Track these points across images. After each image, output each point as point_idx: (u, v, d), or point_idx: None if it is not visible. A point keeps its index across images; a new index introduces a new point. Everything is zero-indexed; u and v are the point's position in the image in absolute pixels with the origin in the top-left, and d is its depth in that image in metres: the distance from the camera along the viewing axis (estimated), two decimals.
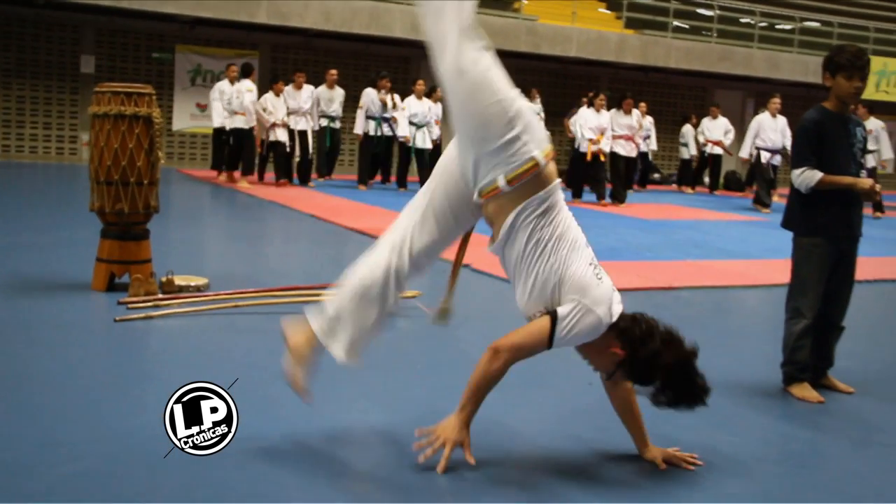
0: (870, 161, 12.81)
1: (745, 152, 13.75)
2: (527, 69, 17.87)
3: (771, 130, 13.26)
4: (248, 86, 12.58)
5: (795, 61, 19.57)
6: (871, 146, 12.87)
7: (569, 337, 2.69)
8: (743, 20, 20.33)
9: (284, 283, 5.43)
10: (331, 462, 2.83)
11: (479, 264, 6.62)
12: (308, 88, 13.13)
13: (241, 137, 12.64)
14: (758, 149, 13.39)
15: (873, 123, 13.29)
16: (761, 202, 13.46)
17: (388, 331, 4.73)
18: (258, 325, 4.62)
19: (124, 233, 5.05)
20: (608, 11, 19.50)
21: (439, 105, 13.21)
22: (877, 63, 20.16)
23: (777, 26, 20.97)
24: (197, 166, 16.10)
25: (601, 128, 12.84)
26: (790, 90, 20.15)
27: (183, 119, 16.37)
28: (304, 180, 13.17)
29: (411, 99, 13.36)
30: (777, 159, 13.38)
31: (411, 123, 13.17)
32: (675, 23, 19.10)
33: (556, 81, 18.53)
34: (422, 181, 12.78)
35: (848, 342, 4.13)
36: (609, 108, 13.17)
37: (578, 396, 3.63)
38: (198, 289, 5.19)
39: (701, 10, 20.08)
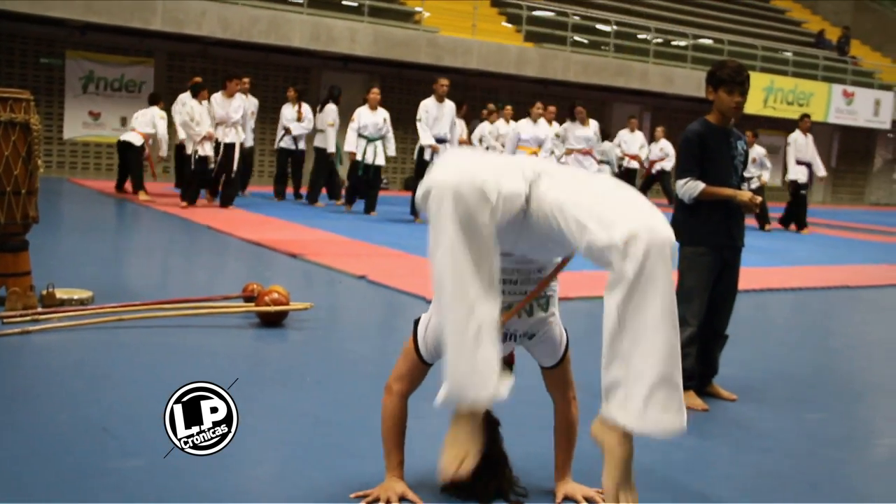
0: (753, 181, 12.93)
1: None
2: (428, 80, 17.88)
3: None
4: (160, 113, 12.19)
5: (689, 76, 20.14)
6: (755, 171, 13.04)
7: (430, 341, 2.67)
8: (640, 36, 20.83)
9: (172, 295, 5.28)
10: (215, 478, 2.74)
11: (376, 276, 6.57)
12: (240, 97, 11.52)
13: (127, 150, 12.04)
14: None
15: (756, 151, 13.09)
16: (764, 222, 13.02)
17: (279, 342, 4.67)
18: (142, 339, 4.46)
19: (0, 244, 4.82)
20: (508, 25, 19.72)
21: (385, 119, 11.86)
22: (764, 80, 20.93)
23: (672, 43, 21.57)
24: (90, 176, 15.59)
25: (539, 140, 11.90)
26: (684, 104, 20.75)
27: (75, 127, 15.81)
28: (228, 200, 11.36)
29: (363, 109, 11.79)
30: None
31: (362, 136, 11.63)
32: (574, 37, 19.44)
33: (458, 93, 18.55)
34: (351, 191, 11.98)
35: (731, 350, 4.23)
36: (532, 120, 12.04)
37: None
38: (81, 302, 5.00)
39: (599, 26, 20.50)
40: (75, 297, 5.01)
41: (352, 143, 11.76)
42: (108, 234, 9.19)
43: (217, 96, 11.37)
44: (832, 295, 7.65)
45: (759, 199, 3.94)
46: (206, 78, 15.17)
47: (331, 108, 12.98)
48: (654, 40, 20.69)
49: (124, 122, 15.95)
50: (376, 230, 9.89)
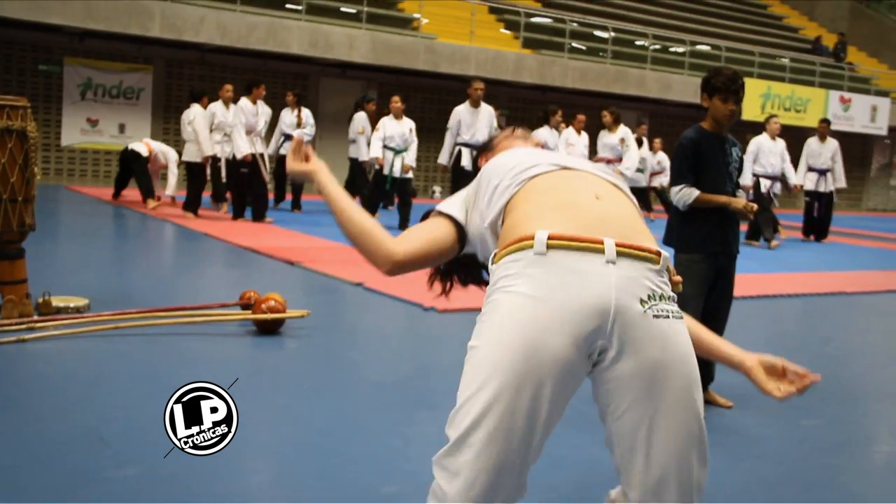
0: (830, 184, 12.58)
1: (746, 179, 11.43)
2: (426, 87, 17.96)
3: (771, 154, 11.52)
4: (175, 157, 12.01)
5: (686, 83, 20.18)
6: (823, 165, 12.64)
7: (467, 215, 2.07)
8: (637, 43, 20.88)
9: (169, 303, 5.28)
10: (210, 486, 2.74)
11: (372, 283, 6.57)
12: (262, 105, 10.95)
13: (134, 161, 11.85)
14: (756, 175, 11.56)
15: (831, 144, 12.85)
16: (756, 236, 11.76)
17: (276, 350, 4.66)
18: (139, 347, 4.46)
19: None
20: (506, 31, 19.76)
21: (410, 130, 11.13)
22: (761, 86, 20.98)
23: (669, 49, 21.62)
24: (88, 183, 15.60)
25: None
26: (681, 110, 20.80)
27: (73, 134, 15.82)
28: (261, 214, 10.81)
29: (387, 120, 11.07)
30: (778, 187, 11.86)
31: (387, 148, 10.92)
32: (572, 44, 19.48)
33: (455, 100, 18.57)
34: (374, 203, 11.06)
35: None
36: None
37: None
38: (77, 310, 4.99)
39: (597, 33, 20.54)
40: (72, 304, 5.01)
41: (377, 150, 11.00)
42: (106, 242, 9.18)
43: (246, 104, 10.72)
44: (829, 301, 7.66)
45: (754, 206, 3.95)
46: (205, 85, 15.21)
47: (359, 117, 12.71)
48: (652, 47, 20.74)
49: (122, 128, 16.02)
50: None
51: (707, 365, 4.07)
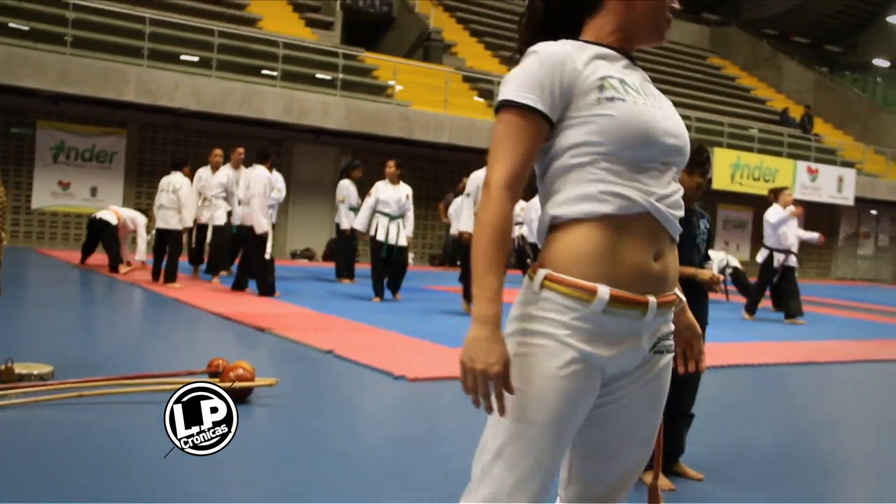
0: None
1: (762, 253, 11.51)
2: (400, 154, 18.08)
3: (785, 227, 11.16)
4: (143, 220, 12.05)
5: None
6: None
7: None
8: None
9: (136, 370, 5.20)
10: None
11: (343, 350, 6.53)
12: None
13: (104, 229, 11.73)
14: (768, 248, 11.30)
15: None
16: (796, 312, 11.23)
17: (243, 420, 4.59)
18: (103, 416, 4.38)
19: None
20: (480, 99, 20.04)
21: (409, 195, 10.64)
22: (731, 156, 21.35)
23: None
24: (58, 246, 15.48)
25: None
26: None
27: (44, 197, 15.75)
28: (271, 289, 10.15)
29: (381, 184, 10.58)
30: (793, 260, 11.33)
31: (382, 213, 10.39)
32: None
33: (429, 167, 18.82)
34: (378, 278, 10.37)
35: (697, 428, 4.21)
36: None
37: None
38: (41, 377, 4.90)
39: None
40: (35, 371, 4.91)
41: (360, 221, 10.67)
42: (73, 307, 9.07)
43: (264, 171, 10.25)
44: (799, 371, 7.68)
45: (720, 277, 3.97)
46: (179, 149, 15.25)
47: (342, 184, 12.45)
48: None
49: (95, 192, 15.98)
50: (345, 304, 9.85)
51: (677, 437, 4.05)
